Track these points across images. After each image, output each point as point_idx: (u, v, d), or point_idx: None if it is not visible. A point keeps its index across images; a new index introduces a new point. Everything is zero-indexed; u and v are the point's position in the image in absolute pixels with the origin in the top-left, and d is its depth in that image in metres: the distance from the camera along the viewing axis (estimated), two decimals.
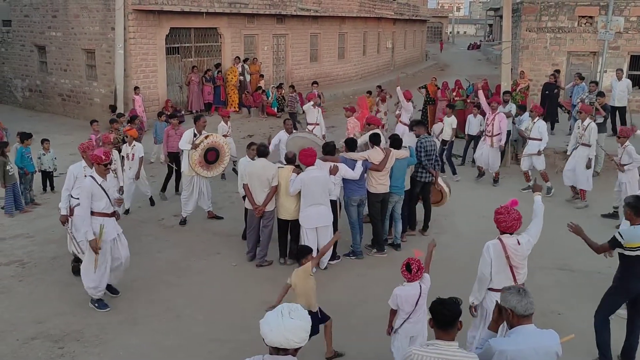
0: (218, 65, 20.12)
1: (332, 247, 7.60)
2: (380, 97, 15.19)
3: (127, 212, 10.13)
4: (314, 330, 5.43)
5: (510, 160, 13.46)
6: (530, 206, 5.50)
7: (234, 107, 19.72)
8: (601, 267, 7.58)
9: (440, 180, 9.17)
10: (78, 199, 7.14)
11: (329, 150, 8.24)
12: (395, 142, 8.45)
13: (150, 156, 13.45)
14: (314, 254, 6.30)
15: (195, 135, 9.46)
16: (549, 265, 8.08)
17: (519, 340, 3.57)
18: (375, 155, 8.16)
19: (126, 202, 9.91)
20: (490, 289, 5.14)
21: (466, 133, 13.38)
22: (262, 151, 8.02)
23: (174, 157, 10.92)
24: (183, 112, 18.12)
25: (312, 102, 13.15)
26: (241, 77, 20.25)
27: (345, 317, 6.42)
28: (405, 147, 8.85)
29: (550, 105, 14.99)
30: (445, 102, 14.96)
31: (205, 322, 6.69)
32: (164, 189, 11.16)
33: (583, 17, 18.39)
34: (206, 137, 9.43)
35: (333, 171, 7.82)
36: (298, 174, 7.77)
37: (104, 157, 6.63)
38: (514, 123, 12.76)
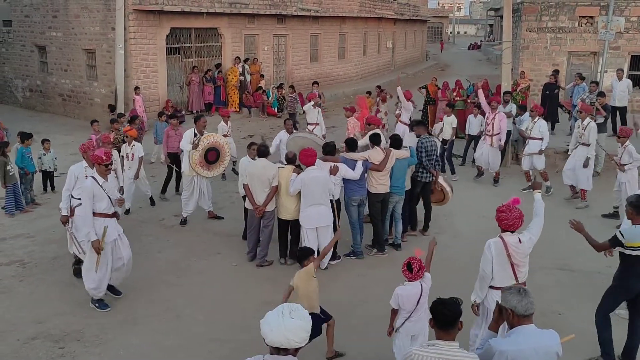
0: (218, 66, 20.13)
1: (332, 247, 7.62)
2: (381, 97, 15.19)
3: (127, 212, 10.13)
4: (316, 332, 5.43)
5: (510, 160, 13.45)
6: (531, 206, 5.50)
7: (235, 107, 19.73)
8: (601, 267, 7.59)
9: (441, 180, 9.16)
10: (79, 199, 7.14)
11: (329, 150, 8.24)
12: (396, 142, 8.45)
13: (150, 156, 13.46)
14: (315, 254, 6.30)
15: (195, 135, 9.47)
16: (549, 265, 8.08)
17: (519, 340, 3.58)
18: (375, 155, 8.16)
19: (126, 202, 9.91)
20: (491, 287, 5.14)
21: (466, 133, 13.38)
22: (262, 151, 8.02)
23: (174, 158, 10.92)
24: (183, 112, 18.14)
25: (312, 102, 13.16)
26: (241, 77, 20.25)
27: (345, 317, 6.42)
28: (406, 147, 8.86)
29: (550, 105, 14.98)
30: (446, 102, 14.96)
31: (206, 322, 6.70)
32: (164, 191, 11.14)
33: (583, 17, 18.38)
34: (206, 137, 9.44)
35: (333, 171, 7.82)
36: (298, 174, 7.77)
37: (104, 158, 6.63)
38: (514, 123, 12.76)
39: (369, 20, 30.46)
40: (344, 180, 8.15)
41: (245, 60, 20.90)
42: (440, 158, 10.58)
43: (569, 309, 6.94)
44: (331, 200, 7.74)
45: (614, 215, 9.89)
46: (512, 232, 5.06)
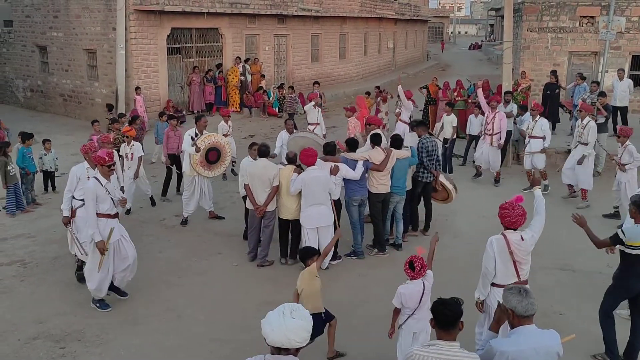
0: (219, 66, 20.14)
1: (333, 247, 7.62)
2: (382, 97, 15.19)
3: (128, 212, 10.13)
4: (318, 331, 5.44)
5: (511, 160, 13.45)
6: (532, 205, 5.49)
7: (235, 108, 19.73)
8: (602, 267, 7.59)
9: (442, 178, 9.15)
10: (80, 200, 7.14)
11: (329, 150, 8.23)
12: (396, 142, 8.45)
13: (151, 156, 13.46)
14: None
15: (196, 135, 9.48)
16: (550, 265, 8.08)
17: (519, 340, 3.58)
18: (376, 155, 8.16)
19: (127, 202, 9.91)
20: (494, 285, 5.14)
21: (467, 133, 13.38)
22: (263, 151, 8.02)
23: (174, 159, 10.92)
24: (184, 112, 18.16)
25: (313, 102, 13.17)
26: (242, 78, 20.25)
27: (346, 317, 6.42)
28: (407, 147, 8.86)
29: (551, 105, 14.98)
30: (446, 102, 14.95)
31: (206, 322, 6.70)
32: (164, 193, 11.12)
33: (584, 17, 18.37)
34: (207, 137, 9.45)
35: (334, 171, 7.82)
36: (299, 173, 7.77)
37: (107, 159, 6.63)
38: (515, 123, 12.76)
39: (370, 20, 30.45)
40: (345, 180, 8.15)
41: (246, 61, 20.91)
42: (442, 158, 10.58)
43: (569, 309, 6.94)
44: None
45: (615, 215, 9.89)
46: (515, 229, 5.06)
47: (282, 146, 10.18)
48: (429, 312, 3.80)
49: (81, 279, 7.30)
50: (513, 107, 12.82)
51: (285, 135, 10.42)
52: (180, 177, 11.10)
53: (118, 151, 9.93)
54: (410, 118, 13.31)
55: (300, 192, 7.72)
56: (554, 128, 14.64)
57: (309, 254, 5.83)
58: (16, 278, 7.78)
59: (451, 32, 75.85)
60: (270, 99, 20.59)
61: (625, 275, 5.69)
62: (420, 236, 9.22)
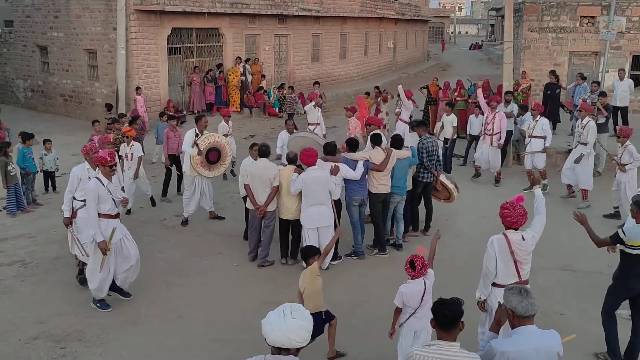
0: (220, 66, 20.14)
1: (333, 248, 7.63)
2: (382, 97, 15.20)
3: (128, 212, 10.13)
4: (318, 330, 5.45)
5: (512, 160, 13.45)
6: (533, 206, 5.49)
7: (236, 108, 19.74)
8: (602, 267, 7.59)
9: (443, 178, 9.14)
10: (81, 201, 7.12)
11: (329, 150, 8.24)
12: (396, 142, 8.45)
13: (152, 156, 13.46)
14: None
15: (197, 135, 9.48)
16: (551, 265, 8.08)
17: (520, 340, 3.58)
18: (376, 155, 8.16)
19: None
20: (494, 285, 5.14)
21: (468, 133, 13.37)
22: (263, 151, 8.02)
23: (174, 159, 10.92)
24: (185, 113, 18.16)
25: (313, 103, 13.17)
26: (243, 78, 20.26)
27: (346, 318, 6.42)
28: (407, 147, 8.86)
29: (552, 105, 14.98)
30: (446, 102, 14.95)
31: (207, 322, 6.70)
32: (164, 194, 11.12)
33: (585, 17, 18.36)
34: (207, 137, 9.46)
35: (334, 171, 7.82)
36: (299, 173, 7.78)
37: (109, 159, 6.63)
38: (516, 123, 12.76)
39: (370, 20, 30.45)
40: (345, 180, 8.15)
41: (247, 61, 20.91)
42: (443, 157, 10.56)
43: (570, 309, 6.94)
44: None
45: (615, 215, 9.89)
46: (516, 229, 5.06)
47: (283, 146, 10.18)
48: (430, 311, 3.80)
49: (83, 282, 7.28)
50: (513, 107, 12.82)
51: (285, 135, 10.42)
52: (180, 177, 11.11)
53: (118, 151, 9.93)
54: (410, 118, 13.32)
55: (300, 192, 7.72)
56: (554, 128, 14.64)
57: (310, 253, 5.86)
58: (17, 278, 7.78)
59: (452, 32, 75.83)
60: (271, 99, 20.59)
61: (625, 275, 5.69)
62: (421, 236, 9.22)
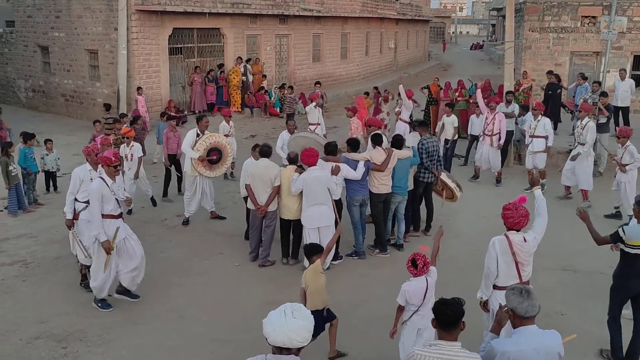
0: (221, 66, 20.16)
1: (334, 247, 7.63)
2: (383, 97, 15.21)
3: (129, 212, 10.12)
4: (320, 329, 5.47)
5: (513, 160, 13.44)
6: (534, 206, 5.48)
7: (237, 108, 19.75)
8: (603, 267, 7.58)
9: (445, 177, 9.13)
10: (83, 202, 7.11)
11: (330, 150, 8.24)
12: (397, 142, 8.45)
13: (153, 157, 13.47)
14: None
15: (198, 135, 9.49)
16: (552, 265, 8.07)
17: (520, 341, 3.58)
18: (377, 155, 8.16)
19: None
20: (495, 287, 5.13)
21: (469, 133, 13.36)
22: (264, 151, 8.03)
23: (174, 159, 10.92)
24: (186, 113, 18.17)
25: (314, 103, 13.18)
26: (244, 78, 20.26)
27: (347, 317, 6.42)
28: (409, 147, 8.86)
29: (553, 105, 14.96)
30: (447, 102, 14.95)
31: (208, 322, 6.70)
32: (165, 194, 11.12)
33: (586, 17, 18.34)
34: (208, 137, 9.46)
35: (335, 171, 7.83)
36: (300, 173, 7.78)
37: (114, 159, 6.64)
38: (516, 123, 12.75)
39: (371, 21, 30.45)
40: (346, 180, 8.16)
41: (248, 61, 20.92)
42: (444, 157, 10.55)
43: (571, 309, 6.93)
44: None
45: (617, 215, 9.89)
46: (518, 230, 5.05)
47: (283, 147, 10.19)
48: None
49: (88, 287, 7.18)
50: (515, 107, 12.82)
51: (286, 135, 10.43)
52: (179, 178, 11.11)
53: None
54: (410, 118, 13.33)
55: (301, 192, 7.73)
56: (555, 128, 14.62)
57: (314, 251, 5.90)
58: (18, 278, 7.79)
59: (453, 32, 75.78)
60: (272, 99, 20.60)
61: (625, 275, 5.69)
62: (422, 236, 9.22)
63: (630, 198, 9.23)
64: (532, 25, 18.80)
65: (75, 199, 7.23)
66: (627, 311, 6.17)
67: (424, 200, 9.33)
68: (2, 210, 10.45)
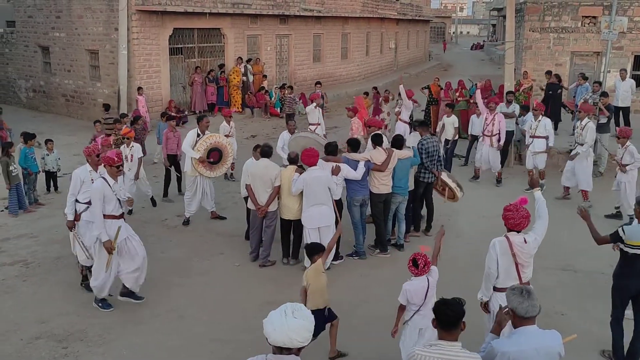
0: (221, 66, 20.16)
1: (335, 248, 7.63)
2: (384, 97, 15.22)
3: (130, 212, 10.13)
4: (321, 328, 5.48)
5: (513, 160, 13.44)
6: (534, 207, 5.48)
7: (237, 108, 19.75)
8: (603, 267, 7.58)
9: (445, 177, 9.13)
10: (85, 204, 7.10)
11: (331, 150, 8.24)
12: (397, 142, 8.45)
13: (153, 157, 13.47)
14: None
15: (198, 135, 9.49)
16: (552, 266, 8.07)
17: (520, 341, 3.58)
18: (377, 155, 8.16)
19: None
20: (495, 289, 5.13)
21: (469, 133, 13.36)
22: (265, 151, 8.03)
23: (173, 160, 10.92)
24: (186, 113, 18.18)
25: (314, 104, 13.18)
26: (244, 78, 20.27)
27: (347, 317, 6.42)
28: (409, 147, 8.86)
29: (553, 106, 14.96)
30: (447, 102, 14.95)
31: (208, 322, 6.71)
32: (165, 194, 11.12)
33: (586, 17, 18.34)
34: (209, 138, 9.47)
35: (335, 171, 7.83)
36: (301, 173, 7.78)
37: (116, 159, 6.63)
38: (517, 124, 12.75)
39: (372, 21, 30.45)
40: (347, 180, 8.16)
41: (248, 61, 20.92)
42: (444, 158, 10.54)
43: (571, 309, 6.93)
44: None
45: (617, 215, 9.89)
46: (518, 231, 5.05)
47: (284, 147, 10.19)
48: None
49: (89, 287, 7.16)
50: (515, 107, 12.82)
51: (287, 135, 10.42)
52: (179, 178, 11.11)
53: None
54: (410, 118, 13.32)
55: (301, 193, 7.73)
56: (556, 128, 14.62)
57: (315, 250, 5.91)
58: (18, 278, 7.80)
59: (453, 32, 75.77)
60: (272, 99, 20.60)
61: (625, 274, 5.70)
62: (422, 236, 9.22)
63: (630, 198, 9.23)
64: (533, 26, 18.81)
65: (76, 200, 7.21)
66: (628, 312, 6.17)
67: (424, 200, 9.32)
68: (2, 210, 10.46)
